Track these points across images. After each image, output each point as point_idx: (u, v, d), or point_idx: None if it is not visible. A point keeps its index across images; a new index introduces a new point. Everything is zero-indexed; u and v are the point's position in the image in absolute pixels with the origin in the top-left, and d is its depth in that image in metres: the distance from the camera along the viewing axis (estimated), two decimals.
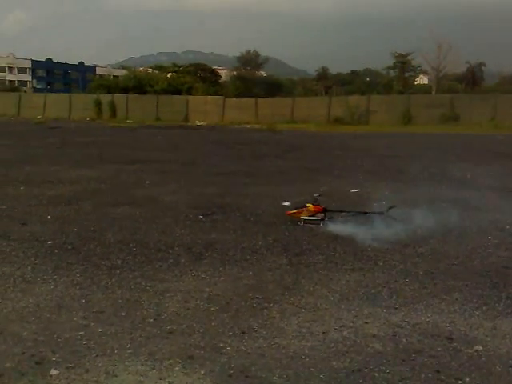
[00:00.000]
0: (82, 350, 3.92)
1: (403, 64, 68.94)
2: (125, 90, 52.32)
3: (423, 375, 3.48)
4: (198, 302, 4.81)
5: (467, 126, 33.42)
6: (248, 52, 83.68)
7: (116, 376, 3.57)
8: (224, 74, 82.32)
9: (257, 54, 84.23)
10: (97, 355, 3.85)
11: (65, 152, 18.50)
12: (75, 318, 4.47)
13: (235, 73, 74.20)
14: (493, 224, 7.60)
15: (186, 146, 21.98)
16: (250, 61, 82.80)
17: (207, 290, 5.11)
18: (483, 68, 70.08)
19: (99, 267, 5.80)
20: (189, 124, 41.62)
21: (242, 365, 3.69)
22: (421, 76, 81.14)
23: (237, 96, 49.92)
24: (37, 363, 3.75)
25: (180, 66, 73.49)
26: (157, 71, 69.18)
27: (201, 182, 11.81)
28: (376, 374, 3.51)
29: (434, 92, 60.47)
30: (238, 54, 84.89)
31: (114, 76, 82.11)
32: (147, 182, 11.82)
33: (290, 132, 30.68)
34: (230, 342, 4.03)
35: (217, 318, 4.46)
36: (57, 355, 3.85)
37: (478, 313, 4.49)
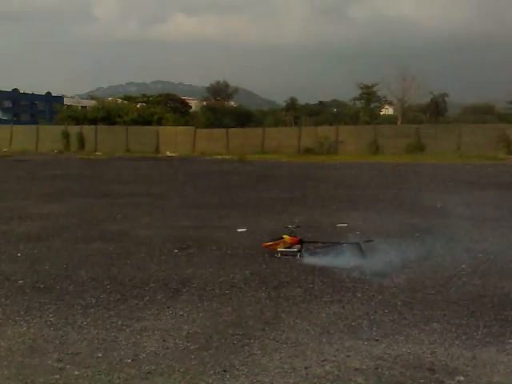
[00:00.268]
0: None
1: (369, 95, 70.42)
2: (93, 121, 51.91)
3: None
4: (177, 340, 4.71)
5: (433, 155, 34.16)
6: (217, 82, 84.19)
7: None
8: (194, 104, 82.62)
9: (226, 85, 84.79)
10: None
11: (33, 186, 18.16)
12: (49, 361, 4.32)
13: (205, 103, 74.54)
14: (466, 253, 7.71)
15: (157, 178, 21.86)
16: (220, 91, 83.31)
17: (186, 327, 5.01)
18: (446, 99, 72.07)
19: (73, 306, 5.64)
20: (160, 155, 41.49)
21: None
22: (386, 107, 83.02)
23: (207, 126, 50.06)
24: None
25: (149, 97, 73.52)
26: (126, 101, 68.93)
27: (174, 215, 11.71)
28: None
29: (399, 122, 61.86)
30: (207, 85, 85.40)
31: (82, 106, 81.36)
32: (119, 216, 11.66)
33: (260, 163, 30.84)
34: (211, 381, 3.94)
35: (197, 356, 4.37)
36: None
37: (457, 342, 4.51)
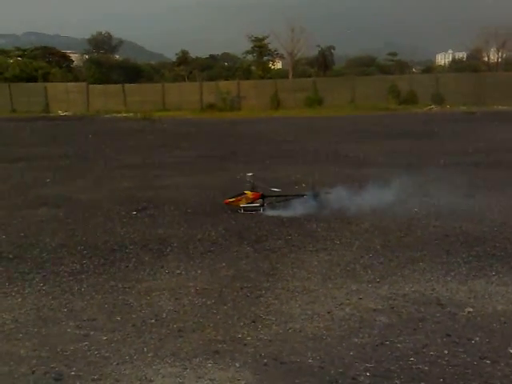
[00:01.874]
0: (99, 361, 3.73)
1: (260, 48, 70.25)
2: None
3: (439, 340, 3.84)
4: (190, 297, 4.75)
5: (330, 108, 35.56)
6: (99, 34, 79.41)
7: (152, 381, 3.46)
8: (75, 58, 77.41)
9: (109, 36, 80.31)
10: (117, 363, 3.68)
11: None
12: (69, 329, 4.20)
13: (87, 57, 70.00)
14: (412, 197, 8.29)
15: (65, 138, 20.68)
16: (103, 43, 78.69)
17: (191, 284, 5.05)
18: (332, 51, 73.99)
19: (59, 274, 5.42)
20: (51, 115, 38.99)
21: (271, 353, 3.77)
22: (277, 60, 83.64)
23: (93, 82, 47.20)
24: (56, 380, 3.51)
25: (24, 50, 67.40)
26: None
27: (108, 177, 11.31)
28: (399, 345, 3.80)
29: (290, 76, 62.90)
30: (87, 37, 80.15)
31: None
32: (47, 180, 11.04)
33: (167, 120, 30.14)
34: (246, 332, 4.07)
35: (218, 311, 4.45)
36: (74, 369, 3.63)
37: (449, 278, 5.00)
